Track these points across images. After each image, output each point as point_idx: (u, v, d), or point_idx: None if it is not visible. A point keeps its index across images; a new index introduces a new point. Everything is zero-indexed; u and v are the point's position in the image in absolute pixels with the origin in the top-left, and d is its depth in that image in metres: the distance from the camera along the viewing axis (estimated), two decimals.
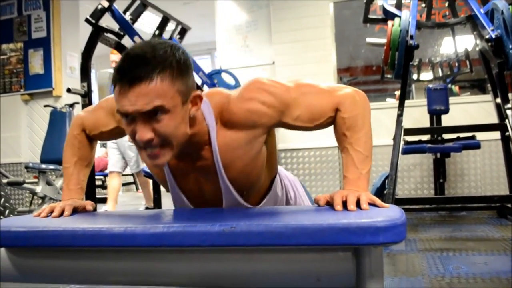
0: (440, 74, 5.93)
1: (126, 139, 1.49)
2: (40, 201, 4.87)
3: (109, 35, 3.59)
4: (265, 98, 1.23)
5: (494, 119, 4.00)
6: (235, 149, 1.26)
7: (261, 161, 1.33)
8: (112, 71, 4.40)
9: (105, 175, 7.61)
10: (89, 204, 1.36)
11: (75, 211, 1.32)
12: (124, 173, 5.32)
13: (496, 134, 4.14)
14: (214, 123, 1.25)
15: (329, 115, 1.28)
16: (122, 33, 3.68)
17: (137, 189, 8.73)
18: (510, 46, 3.41)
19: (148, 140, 1.11)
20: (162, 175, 1.37)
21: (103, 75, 5.02)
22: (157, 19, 4.07)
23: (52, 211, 1.28)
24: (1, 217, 2.48)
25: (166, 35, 4.15)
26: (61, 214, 1.27)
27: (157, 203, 4.64)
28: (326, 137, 4.86)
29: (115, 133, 1.44)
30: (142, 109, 1.08)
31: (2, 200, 2.50)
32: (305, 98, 1.27)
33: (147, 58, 1.09)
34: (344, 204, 1.11)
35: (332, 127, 1.32)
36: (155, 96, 1.08)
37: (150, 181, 4.68)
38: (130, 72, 1.07)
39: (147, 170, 3.88)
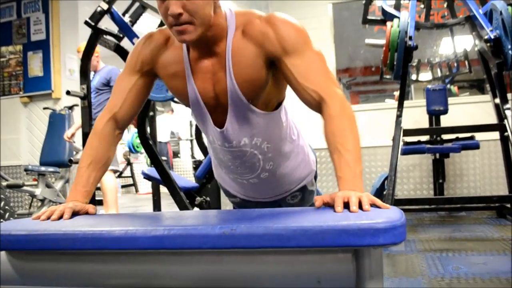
0: (439, 74, 5.94)
1: None
2: (39, 204, 4.87)
3: (108, 37, 3.59)
4: (282, 32, 1.35)
5: (493, 120, 4.00)
6: (243, 55, 1.37)
7: (263, 79, 1.40)
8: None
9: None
10: (91, 207, 1.36)
11: (76, 214, 1.32)
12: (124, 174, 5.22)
13: (495, 134, 4.14)
14: (233, 26, 1.38)
15: (314, 89, 1.34)
16: (121, 35, 3.68)
17: (136, 191, 8.74)
18: (509, 47, 3.41)
19: (179, 14, 1.24)
20: (182, 73, 1.44)
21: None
22: (156, 21, 4.05)
23: (51, 214, 1.28)
24: (1, 220, 2.48)
25: None
26: (60, 217, 1.27)
27: (157, 205, 4.64)
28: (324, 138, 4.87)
29: (140, 88, 1.49)
30: None
31: (2, 203, 2.50)
32: (311, 60, 1.36)
33: None
34: (345, 205, 1.11)
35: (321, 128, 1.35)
36: None
37: (114, 185, 4.63)
38: None
39: (147, 172, 3.88)
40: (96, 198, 4.14)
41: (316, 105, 1.35)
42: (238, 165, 1.60)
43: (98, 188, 7.17)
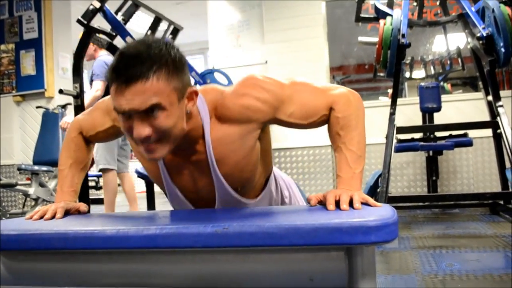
0: (432, 72, 5.96)
1: None
2: (33, 203, 4.85)
3: (101, 35, 3.58)
4: (260, 94, 1.25)
5: (486, 117, 4.02)
6: (228, 143, 1.27)
7: (254, 157, 1.34)
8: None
9: (99, 176, 7.57)
10: (82, 206, 1.36)
11: (68, 213, 1.32)
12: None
13: (488, 132, 4.16)
14: (208, 118, 1.26)
15: (323, 113, 1.30)
16: (114, 34, 3.67)
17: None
18: (501, 44, 3.42)
19: (146, 137, 1.11)
20: (157, 171, 1.37)
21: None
22: (149, 19, 4.06)
23: (44, 214, 1.28)
24: None
25: (158, 35, 4.14)
26: (53, 217, 1.27)
27: (150, 203, 4.63)
28: (319, 136, 4.89)
29: (111, 133, 1.45)
30: (139, 107, 1.08)
31: None
32: (299, 95, 1.29)
33: (143, 56, 1.09)
34: (337, 204, 1.11)
35: (325, 126, 1.34)
36: (151, 94, 1.08)
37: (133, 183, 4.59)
38: (126, 71, 1.08)
39: (141, 171, 3.87)
40: (91, 197, 4.12)
41: (329, 119, 1.32)
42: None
43: (93, 188, 7.16)
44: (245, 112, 1.25)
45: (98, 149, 4.14)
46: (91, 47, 4.11)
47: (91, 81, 4.28)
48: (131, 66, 1.08)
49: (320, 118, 1.30)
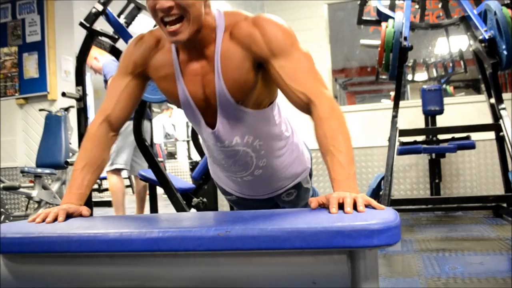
0: (435, 74, 5.95)
1: None
2: (36, 206, 4.85)
3: (103, 38, 3.59)
4: (269, 34, 1.34)
5: (489, 119, 4.01)
6: (232, 59, 1.36)
7: (251, 80, 1.40)
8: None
9: (102, 179, 7.58)
10: (85, 210, 1.36)
11: (70, 216, 1.32)
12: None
13: (491, 134, 4.15)
14: (222, 28, 1.37)
15: (302, 91, 1.34)
16: (116, 37, 3.67)
17: (133, 192, 8.71)
18: (503, 47, 3.42)
19: (169, 8, 1.23)
20: (173, 85, 1.45)
21: (99, 78, 4.90)
22: (151, 21, 4.06)
23: (46, 217, 1.28)
24: None
25: None
26: (55, 220, 1.27)
27: (153, 206, 4.63)
28: None
29: (133, 90, 1.49)
30: None
31: None
32: (298, 61, 1.36)
33: None
34: (341, 206, 1.11)
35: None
36: None
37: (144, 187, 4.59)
38: None
39: (144, 174, 3.87)
40: (93, 200, 4.13)
41: (305, 106, 1.35)
42: (231, 163, 1.61)
43: (96, 190, 7.16)
44: (248, 39, 1.34)
45: (115, 148, 4.14)
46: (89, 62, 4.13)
47: (106, 81, 4.28)
48: None
49: (298, 92, 1.34)
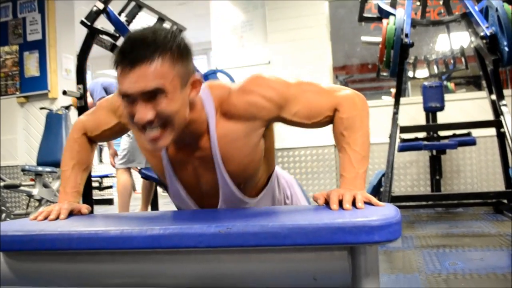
0: (436, 71, 5.95)
1: None
2: (37, 204, 4.86)
3: (104, 36, 3.59)
4: (265, 92, 1.26)
5: (490, 116, 4.01)
6: (233, 140, 1.28)
7: (259, 154, 1.35)
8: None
9: (102, 177, 7.59)
10: (84, 207, 1.37)
11: (71, 214, 1.32)
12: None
13: (492, 131, 4.15)
14: (213, 113, 1.27)
15: (327, 114, 1.30)
16: (117, 35, 3.67)
17: (134, 190, 8.72)
18: (505, 43, 3.42)
19: (149, 121, 1.12)
20: (160, 167, 1.38)
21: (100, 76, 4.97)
22: (152, 20, 4.06)
23: (48, 215, 1.28)
24: None
25: None
26: (57, 217, 1.27)
27: (154, 204, 4.63)
28: (322, 135, 4.88)
29: (117, 130, 1.46)
30: (143, 89, 1.09)
31: None
32: (304, 95, 1.29)
33: (148, 41, 1.11)
34: (340, 203, 1.11)
35: (328, 126, 1.34)
36: (155, 77, 1.10)
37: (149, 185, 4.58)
38: (131, 54, 1.10)
39: (145, 172, 3.88)
40: (94, 198, 4.13)
41: (332, 119, 1.32)
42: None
43: (97, 188, 7.16)
44: (250, 109, 1.26)
45: (129, 147, 4.15)
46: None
47: (94, 103, 4.30)
48: (136, 49, 1.10)
49: (324, 118, 1.31)
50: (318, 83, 1.34)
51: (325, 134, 1.37)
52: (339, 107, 1.29)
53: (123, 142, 4.29)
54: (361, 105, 1.31)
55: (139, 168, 4.23)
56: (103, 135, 1.48)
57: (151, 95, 1.11)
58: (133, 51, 1.10)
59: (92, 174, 6.50)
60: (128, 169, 4.34)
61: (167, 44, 1.12)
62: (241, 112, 1.26)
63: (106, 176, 7.81)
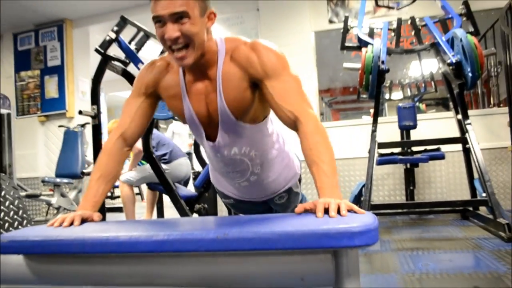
0: (409, 93, 5.98)
1: None
2: (55, 212, 4.83)
3: (116, 62, 3.59)
4: (264, 58, 1.36)
5: (456, 133, 4.03)
6: (232, 79, 1.39)
7: (248, 97, 1.42)
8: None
9: (114, 187, 7.55)
10: (96, 216, 1.36)
11: (84, 221, 1.31)
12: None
13: (458, 146, 4.18)
14: (224, 52, 1.39)
15: (290, 110, 1.35)
16: (127, 61, 3.68)
17: (142, 199, 8.68)
18: (468, 69, 3.45)
19: (176, 38, 1.26)
20: (179, 103, 1.47)
21: (112, 98, 4.95)
22: (159, 48, 4.07)
23: (63, 221, 1.27)
24: (20, 227, 2.46)
25: None
26: (71, 224, 1.27)
27: (159, 212, 4.61)
28: None
29: (146, 106, 1.50)
30: (172, 11, 1.24)
31: (21, 211, 2.47)
32: (288, 83, 1.38)
33: None
34: (326, 211, 1.11)
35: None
36: (181, 4, 1.24)
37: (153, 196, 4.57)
38: None
39: (153, 184, 3.86)
40: (106, 206, 4.10)
41: (292, 123, 1.36)
42: (229, 170, 1.62)
43: (108, 197, 7.12)
44: (246, 62, 1.37)
45: (141, 177, 4.16)
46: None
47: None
48: None
49: (287, 110, 1.35)
50: (302, 86, 1.42)
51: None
52: (304, 120, 1.32)
53: (139, 170, 4.24)
54: (323, 128, 1.34)
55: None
56: (136, 118, 1.49)
57: (178, 18, 1.25)
58: None
59: None
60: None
61: None
62: (240, 61, 1.37)
63: (117, 187, 7.78)
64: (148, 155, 3.52)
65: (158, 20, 1.27)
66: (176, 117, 1.72)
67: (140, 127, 1.51)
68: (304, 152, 1.30)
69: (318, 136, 1.29)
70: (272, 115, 1.59)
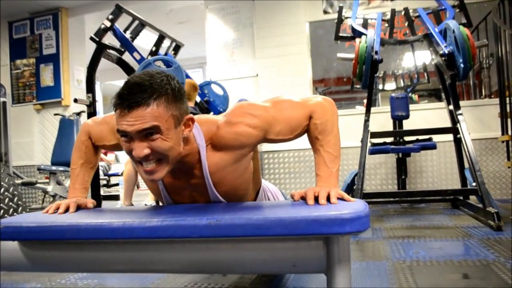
0: (402, 84, 5.97)
1: None
2: (51, 199, 4.82)
3: (111, 51, 3.57)
4: (250, 121, 1.23)
5: (448, 123, 4.04)
6: (224, 167, 1.26)
7: (248, 176, 1.34)
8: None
9: (110, 175, 7.53)
10: (90, 202, 1.36)
11: (79, 208, 1.31)
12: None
13: (450, 136, 4.18)
14: (204, 145, 1.25)
15: (305, 124, 1.30)
16: (122, 50, 3.66)
17: (137, 187, 8.67)
18: (461, 60, 3.45)
19: (145, 156, 1.10)
20: (158, 191, 1.36)
21: (108, 86, 4.91)
22: (154, 37, 4.04)
23: (58, 208, 1.27)
24: (15, 214, 2.45)
25: (162, 51, 4.13)
26: (66, 211, 1.26)
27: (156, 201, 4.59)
28: (303, 140, 4.88)
29: (116, 148, 1.42)
30: (139, 128, 1.07)
31: (16, 198, 2.47)
32: (282, 113, 1.27)
33: (145, 85, 1.09)
34: (316, 199, 1.11)
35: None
36: (151, 119, 1.07)
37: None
38: (129, 98, 1.07)
39: None
40: (102, 194, 4.09)
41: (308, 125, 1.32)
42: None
43: (104, 186, 7.10)
44: (239, 139, 1.23)
45: None
46: None
47: None
48: (134, 93, 1.08)
49: (303, 128, 1.30)
50: (291, 98, 1.32)
51: (305, 139, 1.36)
52: (313, 114, 1.29)
53: None
54: (331, 109, 1.30)
55: None
56: (104, 147, 1.45)
57: (147, 134, 1.09)
58: (131, 95, 1.07)
59: (103, 173, 6.49)
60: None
61: (162, 88, 1.10)
62: (231, 143, 1.23)
63: (114, 175, 7.76)
64: None
65: (124, 135, 1.11)
66: None
67: (110, 150, 1.50)
68: (310, 140, 1.30)
69: (326, 124, 1.27)
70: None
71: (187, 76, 4.00)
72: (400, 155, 4.62)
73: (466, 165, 3.85)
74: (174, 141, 1.13)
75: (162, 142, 1.10)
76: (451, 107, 3.86)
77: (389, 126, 4.72)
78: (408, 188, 4.77)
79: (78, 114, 5.17)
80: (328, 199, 1.10)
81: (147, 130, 1.08)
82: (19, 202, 2.40)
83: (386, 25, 4.32)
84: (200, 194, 1.32)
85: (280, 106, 1.28)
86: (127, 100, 1.07)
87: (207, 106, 4.34)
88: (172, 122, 1.12)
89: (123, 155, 8.61)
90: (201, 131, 1.26)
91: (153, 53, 3.88)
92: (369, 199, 3.65)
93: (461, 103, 3.81)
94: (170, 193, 1.35)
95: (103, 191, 6.86)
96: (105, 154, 7.59)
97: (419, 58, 5.42)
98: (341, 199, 1.12)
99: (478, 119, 4.68)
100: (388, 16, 4.30)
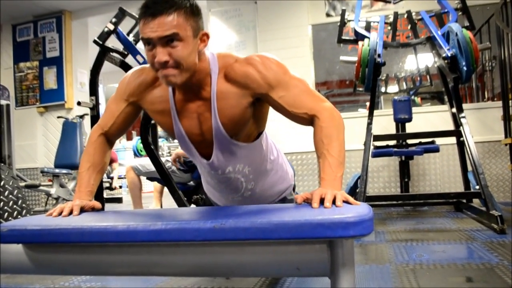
0: (405, 87, 5.98)
1: None
2: (54, 202, 4.82)
3: (114, 54, 3.57)
4: (263, 70, 1.32)
5: (451, 126, 4.04)
6: (228, 98, 1.34)
7: (247, 116, 1.39)
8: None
9: (113, 178, 7.54)
10: (96, 204, 1.36)
11: (82, 210, 1.31)
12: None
13: (453, 139, 4.18)
14: (216, 71, 1.34)
15: (305, 112, 1.33)
16: (126, 53, 3.66)
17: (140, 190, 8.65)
18: (463, 63, 3.44)
19: (165, 61, 1.20)
20: (169, 120, 1.42)
21: (111, 89, 4.92)
22: None
23: (62, 211, 1.27)
24: (19, 216, 2.46)
25: None
26: (70, 213, 1.26)
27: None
28: (307, 143, 4.88)
29: (128, 113, 1.47)
30: (161, 34, 1.18)
31: (20, 201, 2.47)
32: (295, 87, 1.34)
33: None
34: (322, 202, 1.11)
35: (310, 135, 1.34)
36: (172, 26, 1.19)
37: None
38: (153, 7, 1.19)
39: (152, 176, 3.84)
40: (105, 197, 4.10)
41: (308, 122, 1.35)
42: (223, 187, 1.61)
43: (107, 188, 7.10)
44: (245, 79, 1.32)
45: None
46: None
47: None
48: (157, 2, 1.19)
49: (302, 114, 1.33)
50: (308, 85, 1.38)
51: (309, 142, 1.37)
52: (320, 115, 1.30)
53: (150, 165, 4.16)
54: (338, 118, 1.32)
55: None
56: (117, 122, 1.47)
57: (168, 41, 1.20)
58: (154, 5, 1.19)
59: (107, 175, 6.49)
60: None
61: (182, 2, 1.22)
62: (238, 78, 1.32)
63: (119, 178, 7.77)
64: (146, 146, 3.51)
65: (148, 42, 1.22)
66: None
67: (121, 129, 1.51)
68: (316, 144, 1.31)
69: (332, 129, 1.29)
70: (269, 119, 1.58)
71: None
72: (403, 158, 4.61)
73: (469, 168, 3.84)
74: (191, 50, 1.24)
75: (180, 49, 1.21)
76: (454, 110, 3.85)
77: (392, 129, 4.71)
78: (411, 191, 4.77)
79: (81, 117, 5.18)
80: (334, 201, 1.10)
81: (168, 37, 1.19)
82: (23, 205, 2.41)
83: (389, 28, 4.32)
84: (205, 120, 1.38)
85: (297, 82, 1.36)
86: (151, 8, 1.19)
87: None
88: (190, 32, 1.23)
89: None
90: (217, 60, 1.35)
91: None
92: (372, 202, 3.65)
93: (464, 105, 3.80)
94: (180, 118, 1.41)
95: (106, 194, 6.87)
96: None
97: (421, 61, 5.42)
98: (346, 202, 1.11)
99: (481, 122, 4.67)
100: (391, 19, 4.30)
